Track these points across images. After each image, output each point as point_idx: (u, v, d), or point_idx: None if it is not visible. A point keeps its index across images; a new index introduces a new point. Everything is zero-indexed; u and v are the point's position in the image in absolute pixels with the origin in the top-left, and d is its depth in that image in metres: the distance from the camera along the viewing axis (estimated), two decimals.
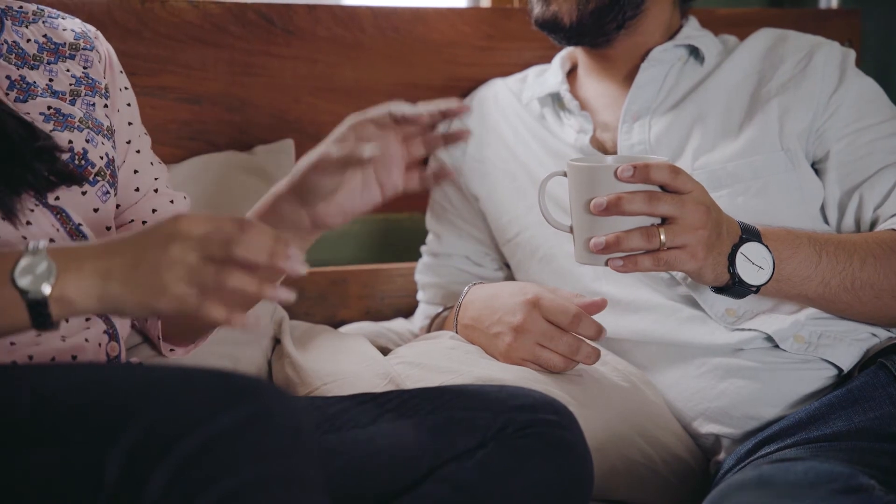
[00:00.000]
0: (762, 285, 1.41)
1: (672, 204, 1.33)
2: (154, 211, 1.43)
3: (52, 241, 1.25)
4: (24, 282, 1.03)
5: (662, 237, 1.33)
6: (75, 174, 1.29)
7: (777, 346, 1.51)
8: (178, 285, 1.02)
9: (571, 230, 1.40)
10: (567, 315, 1.49)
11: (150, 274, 1.03)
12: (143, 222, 1.42)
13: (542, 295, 1.52)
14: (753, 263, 1.40)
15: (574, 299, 1.51)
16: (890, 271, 1.48)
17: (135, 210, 1.43)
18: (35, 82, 1.34)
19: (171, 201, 1.45)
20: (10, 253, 1.06)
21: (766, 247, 1.41)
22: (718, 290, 1.43)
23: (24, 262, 1.04)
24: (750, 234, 1.41)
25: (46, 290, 1.03)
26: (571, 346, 1.50)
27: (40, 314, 1.04)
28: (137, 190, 1.43)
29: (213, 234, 1.03)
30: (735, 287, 1.40)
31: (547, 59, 1.84)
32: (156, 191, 1.44)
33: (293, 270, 1.05)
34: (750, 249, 1.40)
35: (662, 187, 1.34)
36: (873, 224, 1.57)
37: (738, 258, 1.39)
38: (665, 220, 1.34)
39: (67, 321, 1.22)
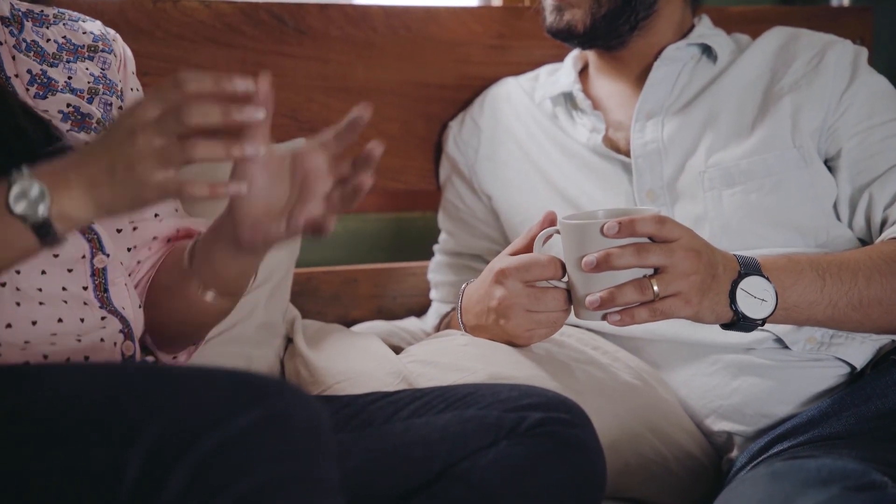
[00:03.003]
0: (767, 317, 1.39)
1: (661, 254, 1.33)
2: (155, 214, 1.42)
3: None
4: (20, 208, 1.04)
5: (655, 288, 1.32)
6: None
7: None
8: (154, 174, 1.04)
9: (569, 286, 1.40)
10: (538, 263, 1.44)
11: (127, 172, 1.04)
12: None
13: (505, 263, 1.47)
14: (755, 297, 1.38)
15: (528, 235, 1.47)
16: None
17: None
18: (55, 78, 1.34)
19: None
20: None
21: (767, 278, 1.39)
22: (725, 326, 1.41)
23: (15, 190, 1.05)
24: (749, 268, 1.39)
25: (44, 212, 1.05)
26: (558, 300, 1.45)
27: (46, 234, 1.06)
28: None
29: (167, 111, 1.03)
30: (740, 322, 1.39)
31: (558, 58, 1.84)
32: (156, 215, 1.42)
33: (251, 118, 1.04)
34: (750, 284, 1.38)
35: (652, 237, 1.34)
36: (883, 224, 1.57)
37: (739, 294, 1.37)
38: (657, 270, 1.34)
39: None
